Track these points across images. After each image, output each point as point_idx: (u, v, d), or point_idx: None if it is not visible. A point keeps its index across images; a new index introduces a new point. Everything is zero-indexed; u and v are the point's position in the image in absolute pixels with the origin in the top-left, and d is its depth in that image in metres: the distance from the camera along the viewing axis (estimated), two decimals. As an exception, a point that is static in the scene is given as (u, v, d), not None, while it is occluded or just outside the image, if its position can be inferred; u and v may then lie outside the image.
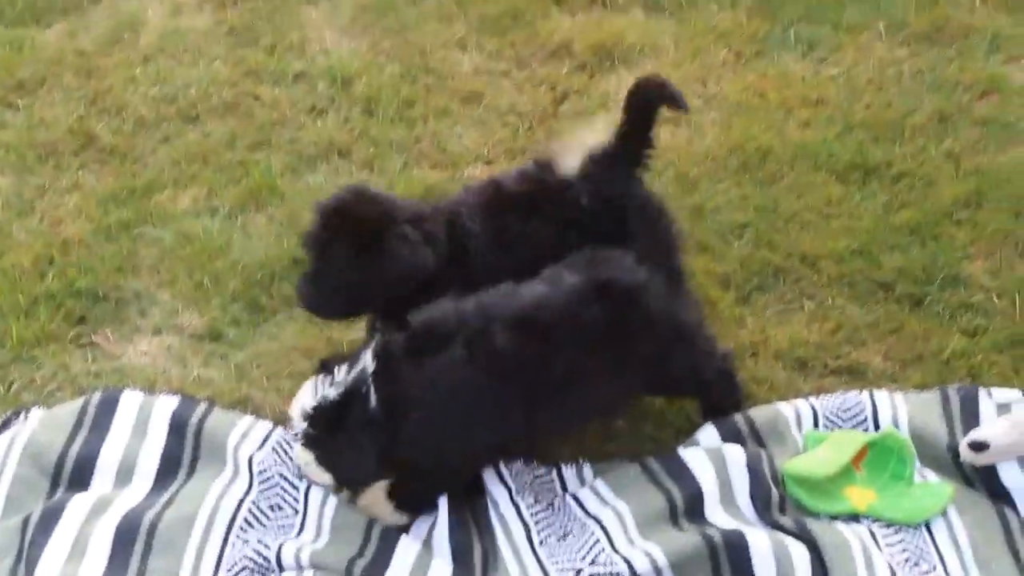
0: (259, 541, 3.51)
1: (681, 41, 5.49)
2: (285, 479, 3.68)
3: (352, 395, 3.37)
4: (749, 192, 4.70)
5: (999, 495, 3.68)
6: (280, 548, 3.48)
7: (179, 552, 3.50)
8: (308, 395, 3.49)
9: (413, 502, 3.64)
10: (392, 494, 3.61)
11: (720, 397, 3.89)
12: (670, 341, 3.64)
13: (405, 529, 3.61)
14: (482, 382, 3.42)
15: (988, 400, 3.88)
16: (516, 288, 3.53)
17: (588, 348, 3.48)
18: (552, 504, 3.68)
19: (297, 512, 3.64)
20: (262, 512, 3.62)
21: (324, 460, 3.49)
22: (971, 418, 3.84)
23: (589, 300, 3.48)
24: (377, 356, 3.39)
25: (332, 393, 3.38)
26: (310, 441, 3.46)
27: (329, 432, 3.41)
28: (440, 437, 3.44)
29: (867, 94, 5.23)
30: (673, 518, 3.57)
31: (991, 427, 3.74)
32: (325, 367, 3.68)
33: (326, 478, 3.55)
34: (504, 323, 3.43)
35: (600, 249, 3.61)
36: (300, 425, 3.46)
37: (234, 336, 4.21)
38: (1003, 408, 3.87)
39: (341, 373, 3.42)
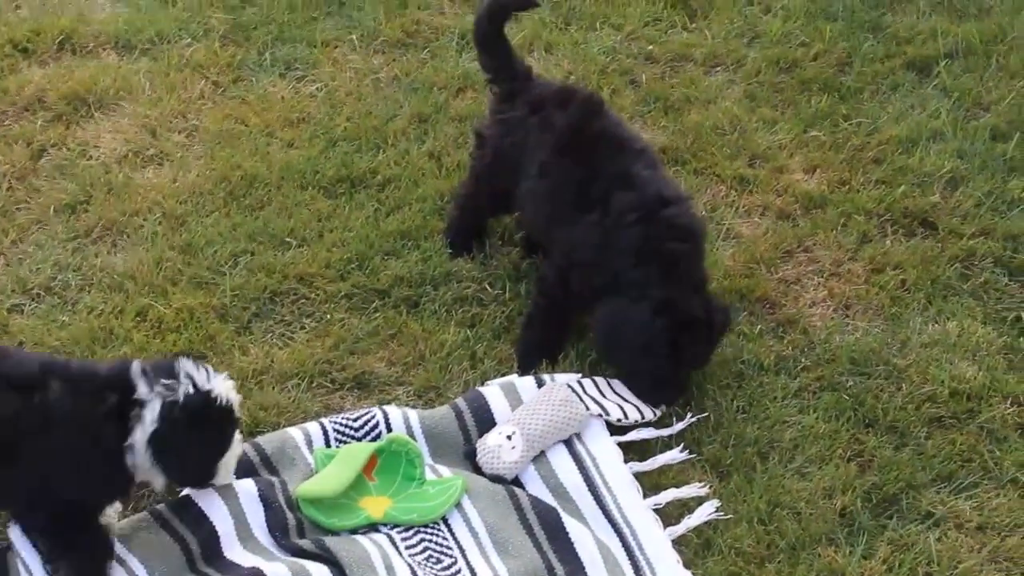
0: None
1: (156, 78, 5.35)
2: None
3: None
4: (239, 221, 4.65)
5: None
6: None
7: None
8: None
9: None
10: None
11: None
12: None
13: None
14: None
15: (496, 393, 4.01)
16: None
17: None
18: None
19: None
20: None
21: None
22: (485, 416, 3.96)
23: None
24: None
25: None
26: None
27: None
28: None
29: (347, 106, 5.28)
30: (191, 565, 3.50)
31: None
32: None
33: None
34: None
35: None
36: None
37: None
38: (508, 390, 4.03)
39: None
